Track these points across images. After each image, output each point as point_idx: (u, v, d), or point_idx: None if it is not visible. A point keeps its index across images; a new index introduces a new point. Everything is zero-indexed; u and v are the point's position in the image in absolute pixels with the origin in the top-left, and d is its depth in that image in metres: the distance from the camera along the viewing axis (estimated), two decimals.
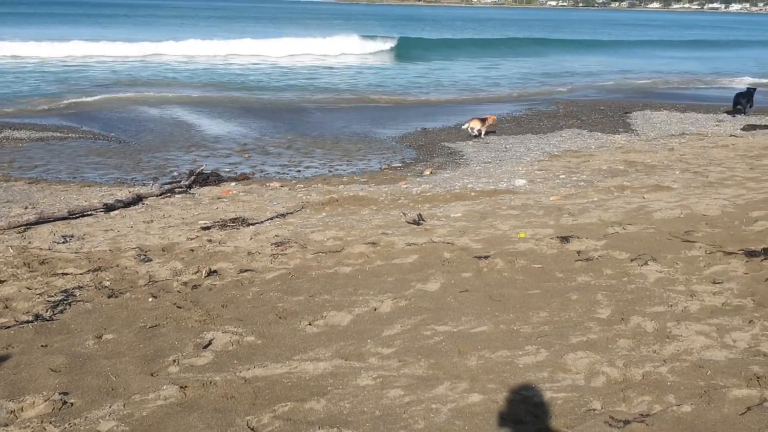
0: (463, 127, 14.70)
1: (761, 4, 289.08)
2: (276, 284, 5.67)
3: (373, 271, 5.91)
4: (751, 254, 5.69)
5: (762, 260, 5.52)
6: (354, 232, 7.15)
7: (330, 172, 11.16)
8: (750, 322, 4.33)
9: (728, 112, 17.64)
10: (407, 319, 4.84)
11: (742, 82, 27.09)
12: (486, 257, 6.06)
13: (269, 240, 6.96)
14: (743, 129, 15.08)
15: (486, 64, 32.47)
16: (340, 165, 11.71)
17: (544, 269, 5.76)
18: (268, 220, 7.95)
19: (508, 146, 13.30)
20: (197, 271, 6.00)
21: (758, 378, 3.57)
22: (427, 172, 10.95)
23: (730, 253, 5.79)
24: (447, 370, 4.00)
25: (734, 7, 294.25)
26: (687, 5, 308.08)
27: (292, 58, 32.72)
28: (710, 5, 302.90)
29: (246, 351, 4.45)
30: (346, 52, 35.69)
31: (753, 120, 16.46)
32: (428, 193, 9.32)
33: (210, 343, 4.57)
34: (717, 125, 15.65)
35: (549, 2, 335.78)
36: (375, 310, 5.05)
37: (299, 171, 11.24)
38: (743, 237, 6.31)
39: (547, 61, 34.72)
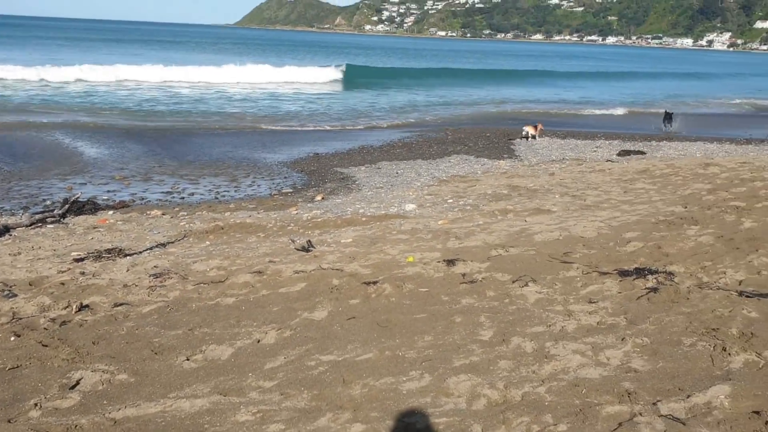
0: (523, 133, 18.91)
1: (634, 38, 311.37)
2: (153, 318, 5.38)
3: (257, 302, 5.73)
4: (623, 274, 5.95)
5: (634, 279, 5.77)
6: (239, 261, 6.94)
7: (216, 198, 10.83)
8: (622, 339, 4.49)
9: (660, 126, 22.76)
10: (291, 349, 4.70)
11: (616, 111, 28.92)
12: (374, 283, 6.02)
13: (147, 271, 6.62)
14: (618, 154, 16.00)
15: (377, 92, 32.95)
16: (228, 191, 11.40)
17: (430, 293, 5.78)
18: (146, 250, 7.58)
19: (399, 171, 13.46)
20: (67, 306, 5.61)
21: (629, 394, 3.69)
22: (319, 198, 10.86)
23: (604, 273, 6.03)
24: (330, 401, 3.90)
25: (610, 40, 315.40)
26: (567, 37, 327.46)
27: (181, 84, 31.91)
28: (588, 37, 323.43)
29: (117, 390, 4.17)
30: (236, 78, 35.10)
31: (627, 146, 17.53)
32: (319, 219, 9.22)
33: (77, 383, 4.25)
34: (594, 151, 16.52)
35: (438, 32, 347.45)
36: (258, 341, 4.88)
37: (183, 198, 10.84)
38: (617, 257, 6.60)
39: (436, 90, 35.67)
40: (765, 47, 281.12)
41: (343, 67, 41.11)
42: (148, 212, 9.72)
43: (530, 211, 9.29)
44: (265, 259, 7.00)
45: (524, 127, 19.19)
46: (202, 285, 6.15)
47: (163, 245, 7.82)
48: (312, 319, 5.27)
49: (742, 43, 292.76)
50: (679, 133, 21.43)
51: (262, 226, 8.78)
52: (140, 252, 7.50)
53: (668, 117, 23.20)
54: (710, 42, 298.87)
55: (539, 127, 19.22)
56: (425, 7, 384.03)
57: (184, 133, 18.14)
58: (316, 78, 37.66)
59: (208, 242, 8.02)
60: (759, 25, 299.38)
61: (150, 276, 6.42)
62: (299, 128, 20.37)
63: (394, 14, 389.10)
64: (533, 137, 18.69)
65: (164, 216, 9.49)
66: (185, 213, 9.70)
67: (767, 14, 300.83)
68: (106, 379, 4.29)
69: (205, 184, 11.94)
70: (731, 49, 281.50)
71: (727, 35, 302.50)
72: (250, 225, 8.84)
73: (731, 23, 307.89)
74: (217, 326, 5.19)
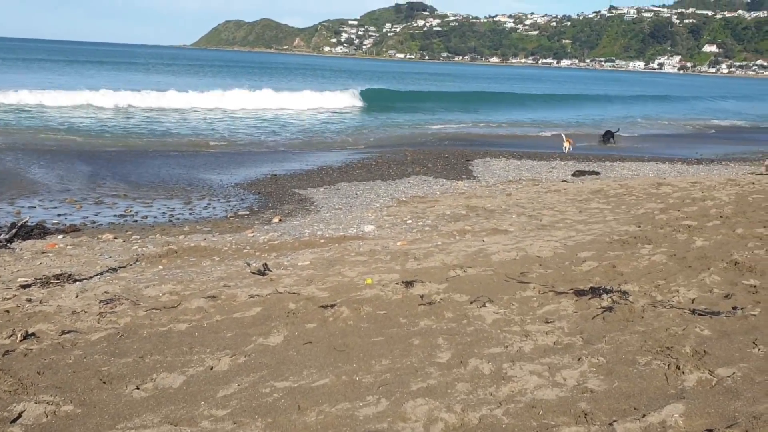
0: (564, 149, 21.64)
1: (588, 61, 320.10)
2: (102, 346, 5.20)
3: (211, 327, 5.60)
4: (579, 293, 5.99)
5: (589, 299, 5.81)
6: (192, 286, 6.79)
7: (170, 221, 10.59)
8: (579, 359, 4.50)
9: (599, 142, 25.14)
10: (245, 376, 4.59)
11: (571, 131, 29.51)
12: (332, 306, 5.94)
13: (97, 297, 6.42)
14: (573, 174, 16.25)
15: (330, 114, 33.00)
16: (182, 214, 11.16)
17: (388, 315, 5.73)
18: (97, 275, 7.37)
19: (358, 192, 13.42)
20: (11, 335, 5.39)
21: (585, 414, 3.69)
22: (276, 220, 10.73)
23: (560, 293, 6.06)
24: (284, 429, 3.80)
25: (565, 63, 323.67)
26: (523, 60, 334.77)
27: (134, 107, 31.35)
28: (544, 60, 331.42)
29: (62, 422, 4.00)
30: (193, 102, 34.51)
31: (582, 166, 17.83)
32: (276, 242, 9.10)
33: (20, 416, 4.06)
34: (550, 171, 16.74)
35: (397, 55, 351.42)
36: (211, 369, 4.75)
37: (136, 221, 10.55)
38: (573, 277, 6.65)
39: (394, 112, 35.81)
40: (713, 70, 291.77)
41: (356, 91, 41.44)
42: (100, 236, 9.47)
43: (488, 231, 9.33)
44: (220, 283, 6.87)
45: (564, 142, 21.91)
46: (154, 311, 5.99)
47: (115, 270, 7.61)
48: (267, 344, 5.16)
49: (691, 66, 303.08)
50: (624, 150, 22.44)
51: (217, 250, 8.62)
52: (90, 277, 7.29)
53: (609, 135, 25.23)
54: (661, 65, 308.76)
55: (570, 139, 22.41)
56: (384, 30, 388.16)
57: (138, 154, 17.82)
58: (337, 103, 37.93)
59: (161, 266, 7.83)
60: (707, 48, 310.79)
61: (100, 302, 6.23)
62: (257, 150, 20.22)
63: (353, 36, 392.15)
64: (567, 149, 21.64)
65: (116, 240, 9.25)
66: (138, 236, 9.47)
67: (714, 38, 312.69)
68: (51, 411, 4.12)
69: (159, 206, 11.69)
70: (681, 71, 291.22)
71: (677, 58, 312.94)
72: (204, 248, 8.67)
73: (681, 47, 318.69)
74: (168, 353, 5.04)
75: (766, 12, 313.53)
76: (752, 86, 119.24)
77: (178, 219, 10.78)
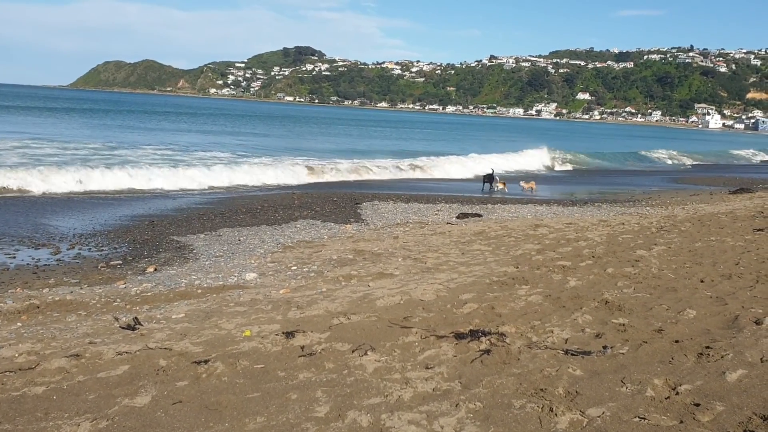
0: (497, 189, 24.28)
1: (471, 107, 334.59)
2: None
3: (72, 389, 5.15)
4: (459, 336, 6.01)
5: (468, 342, 5.83)
6: (54, 344, 6.27)
7: (35, 273, 9.81)
8: (456, 405, 4.46)
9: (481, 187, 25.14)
10: None
11: (457, 175, 30.39)
12: (206, 361, 5.64)
13: None
14: (457, 217, 16.62)
15: (203, 155, 32.49)
16: (48, 265, 10.36)
17: (266, 369, 5.50)
18: None
19: (241, 238, 13.06)
20: None
21: None
22: (151, 270, 10.20)
23: (441, 337, 6.06)
24: None
25: (450, 109, 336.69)
26: (410, 106, 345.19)
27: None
28: (430, 106, 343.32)
29: None
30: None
31: (466, 209, 18.31)
32: (149, 293, 8.63)
33: None
34: (436, 214, 17.06)
35: (286, 98, 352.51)
36: None
37: None
38: (454, 319, 6.68)
39: (284, 153, 35.67)
40: (587, 116, 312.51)
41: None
42: None
43: (373, 276, 9.29)
44: (85, 340, 6.39)
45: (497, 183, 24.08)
46: (7, 374, 5.46)
47: None
48: (133, 406, 4.80)
49: (566, 113, 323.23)
50: (502, 195, 23.14)
51: (85, 303, 8.05)
52: None
53: (489, 178, 24.90)
54: (539, 111, 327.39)
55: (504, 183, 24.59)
56: (272, 73, 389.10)
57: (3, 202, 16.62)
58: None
59: (19, 324, 7.21)
60: (580, 96, 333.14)
61: None
62: (132, 195, 19.39)
63: (240, 78, 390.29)
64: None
65: None
66: None
67: (587, 87, 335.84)
68: None
69: (23, 257, 10.83)
70: (557, 117, 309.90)
71: (554, 105, 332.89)
72: (70, 302, 8.07)
73: (557, 94, 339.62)
74: (20, 421, 4.58)
75: (632, 63, 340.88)
76: (625, 130, 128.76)
77: (43, 271, 10.00)
